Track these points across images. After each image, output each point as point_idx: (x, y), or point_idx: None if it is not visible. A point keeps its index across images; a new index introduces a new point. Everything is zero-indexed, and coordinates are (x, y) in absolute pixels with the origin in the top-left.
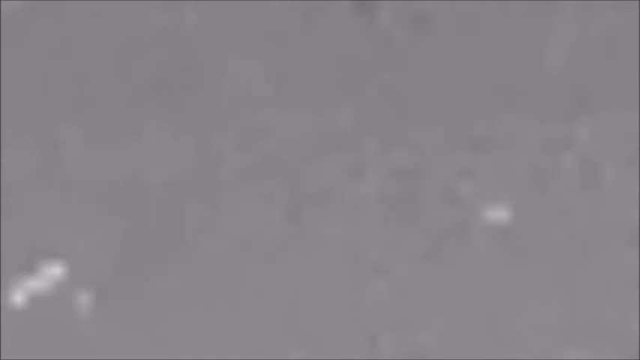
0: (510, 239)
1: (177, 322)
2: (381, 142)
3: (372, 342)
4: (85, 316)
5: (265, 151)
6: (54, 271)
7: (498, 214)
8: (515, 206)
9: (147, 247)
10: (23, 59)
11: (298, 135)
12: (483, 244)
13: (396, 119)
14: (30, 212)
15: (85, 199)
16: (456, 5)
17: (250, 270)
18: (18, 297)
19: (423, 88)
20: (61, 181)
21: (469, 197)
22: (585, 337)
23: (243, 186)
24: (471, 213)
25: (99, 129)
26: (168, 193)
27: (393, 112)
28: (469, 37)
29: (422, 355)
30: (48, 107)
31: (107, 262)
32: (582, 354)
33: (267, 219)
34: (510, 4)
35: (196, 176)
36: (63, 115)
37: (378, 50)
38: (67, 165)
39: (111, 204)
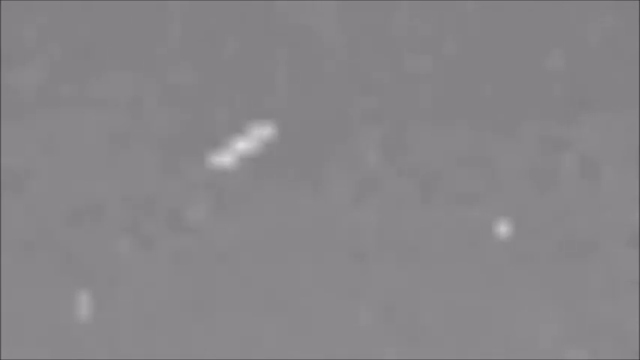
0: (509, 239)
1: (177, 321)
2: (380, 140)
3: (372, 343)
4: (85, 316)
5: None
6: (263, 132)
7: (497, 213)
8: (515, 206)
9: None
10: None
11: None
12: (482, 243)
13: (395, 116)
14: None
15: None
16: (455, 5)
17: (250, 271)
18: (227, 158)
19: (425, 88)
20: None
21: (468, 197)
22: (585, 337)
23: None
24: (471, 213)
25: None
26: None
27: (394, 109)
28: (468, 37)
29: (422, 354)
30: None
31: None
32: (582, 354)
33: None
34: (510, 5)
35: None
36: None
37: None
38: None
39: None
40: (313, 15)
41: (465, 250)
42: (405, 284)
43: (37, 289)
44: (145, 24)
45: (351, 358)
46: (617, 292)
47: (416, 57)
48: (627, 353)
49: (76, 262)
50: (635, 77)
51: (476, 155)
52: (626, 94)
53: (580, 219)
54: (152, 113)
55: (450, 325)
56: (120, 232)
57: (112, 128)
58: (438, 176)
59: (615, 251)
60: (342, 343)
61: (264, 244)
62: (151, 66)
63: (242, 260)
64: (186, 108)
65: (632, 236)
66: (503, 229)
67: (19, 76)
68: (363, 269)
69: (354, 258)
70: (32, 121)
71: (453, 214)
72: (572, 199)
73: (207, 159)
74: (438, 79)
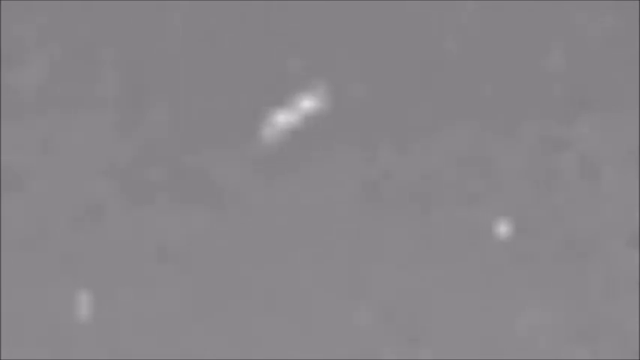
0: (511, 239)
1: (179, 321)
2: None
3: (372, 343)
4: (85, 316)
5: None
6: (305, 105)
7: (497, 213)
8: (515, 206)
9: None
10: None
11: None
12: (482, 243)
13: (395, 116)
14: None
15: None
16: (455, 5)
17: (250, 271)
18: (268, 130)
19: (425, 88)
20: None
21: (468, 197)
22: (585, 337)
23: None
24: (471, 213)
25: None
26: None
27: (394, 109)
28: (469, 38)
29: (422, 355)
30: None
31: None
32: (582, 353)
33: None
34: (510, 5)
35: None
36: None
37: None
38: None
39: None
40: (313, 15)
41: (465, 250)
42: (405, 284)
43: (37, 289)
44: (145, 24)
45: (351, 358)
46: (617, 292)
47: (416, 57)
48: (627, 353)
49: (76, 262)
50: (635, 77)
51: (476, 155)
52: (626, 94)
53: (580, 219)
54: (150, 113)
55: (450, 325)
56: (120, 232)
57: (112, 128)
58: (438, 176)
59: (615, 251)
60: (342, 343)
61: (264, 244)
62: (151, 66)
63: (242, 260)
64: (172, 110)
65: (632, 236)
66: (503, 229)
67: (19, 76)
68: (363, 269)
69: (354, 258)
70: (32, 121)
71: (453, 214)
72: (572, 199)
73: (204, 162)
74: (438, 79)
